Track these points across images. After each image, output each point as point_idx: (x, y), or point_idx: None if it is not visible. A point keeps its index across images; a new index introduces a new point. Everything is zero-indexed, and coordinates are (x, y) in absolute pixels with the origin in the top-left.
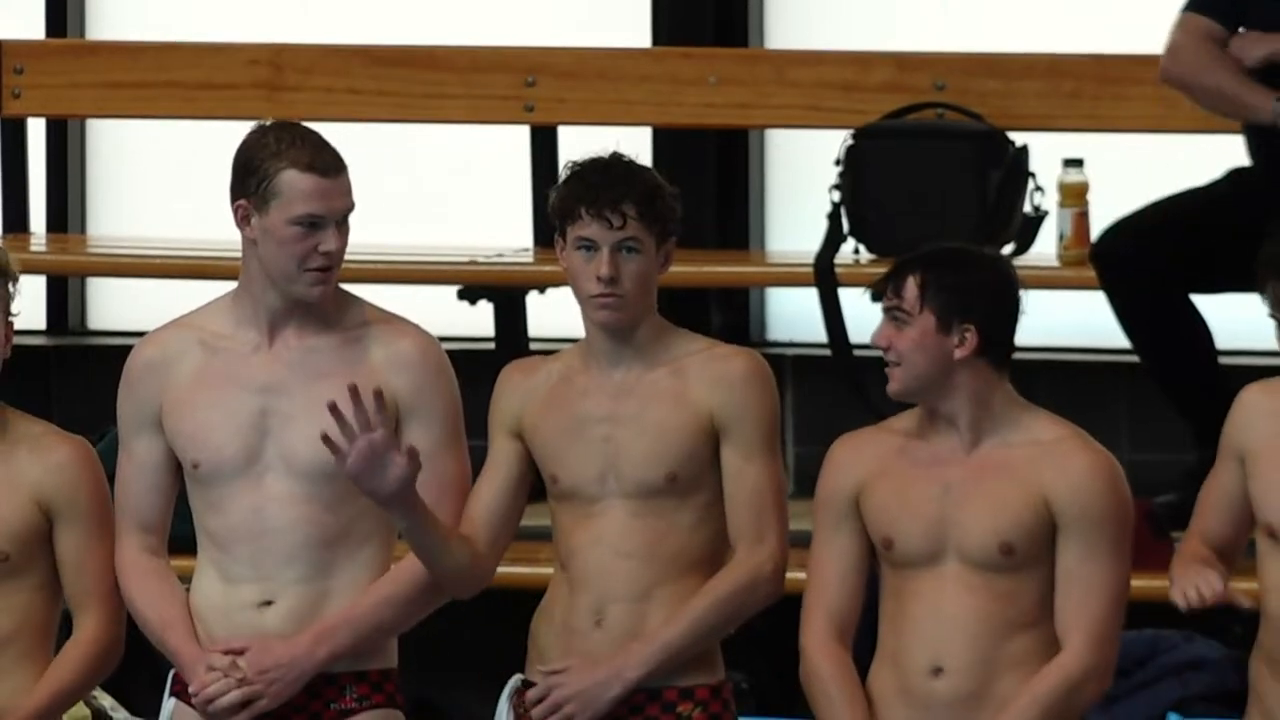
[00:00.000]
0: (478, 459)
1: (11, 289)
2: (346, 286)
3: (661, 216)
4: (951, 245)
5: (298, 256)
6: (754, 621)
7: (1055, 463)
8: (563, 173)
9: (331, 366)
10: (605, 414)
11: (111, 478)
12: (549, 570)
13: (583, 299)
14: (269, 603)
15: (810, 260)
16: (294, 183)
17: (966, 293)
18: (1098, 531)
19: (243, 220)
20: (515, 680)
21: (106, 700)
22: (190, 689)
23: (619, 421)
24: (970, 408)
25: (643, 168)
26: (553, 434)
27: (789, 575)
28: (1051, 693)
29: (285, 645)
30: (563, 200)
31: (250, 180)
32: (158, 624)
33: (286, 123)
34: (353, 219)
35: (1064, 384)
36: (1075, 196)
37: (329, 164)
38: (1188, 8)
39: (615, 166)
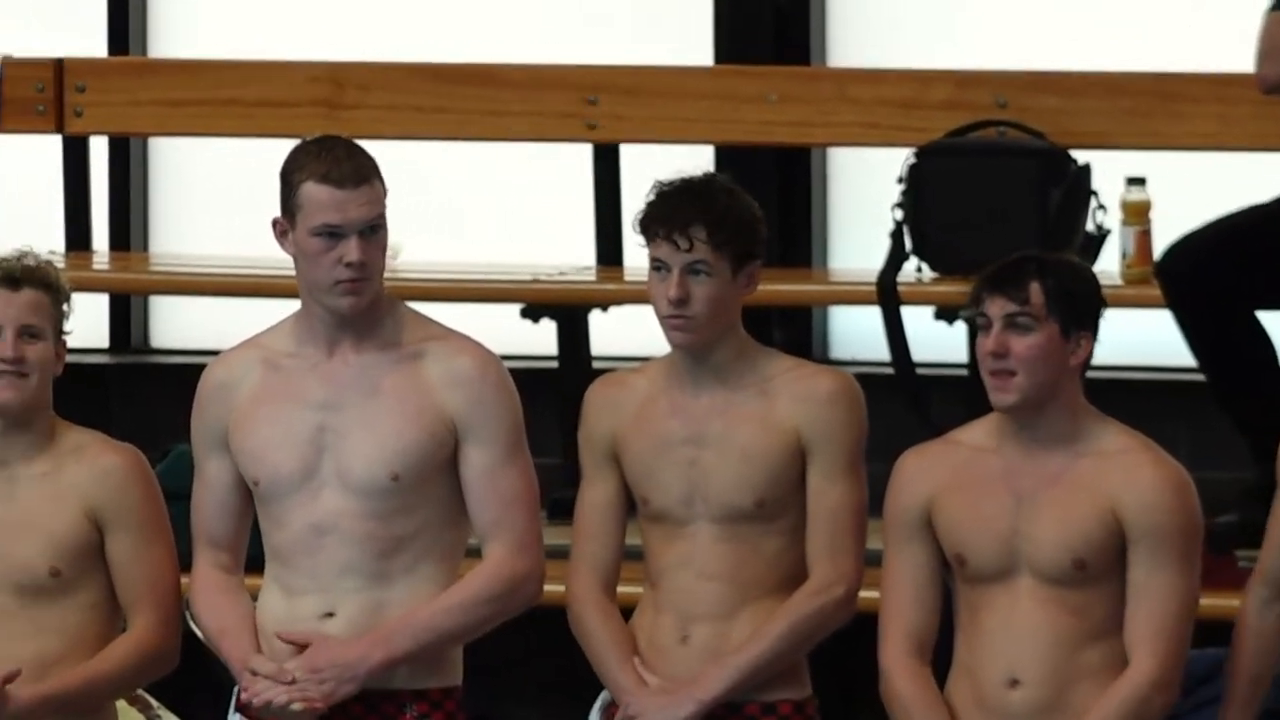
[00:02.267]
0: (544, 477)
1: (65, 307)
2: (410, 304)
3: (734, 240)
4: (1047, 254)
5: (324, 268)
6: (828, 636)
7: (1124, 475)
8: (648, 191)
9: (389, 383)
10: (690, 436)
11: (169, 496)
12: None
13: (659, 319)
14: (330, 614)
15: (872, 278)
16: (312, 194)
17: (1087, 300)
18: (1167, 544)
19: (280, 236)
20: (605, 695)
21: (170, 718)
22: (242, 694)
23: (705, 444)
24: (1064, 419)
25: (726, 190)
26: (641, 455)
27: (862, 594)
28: (1122, 705)
29: (342, 647)
30: (639, 219)
31: (282, 196)
32: (215, 632)
33: (320, 137)
34: (415, 236)
35: (1125, 402)
36: (1138, 215)
37: (347, 174)
38: (1275, 7)
39: (692, 189)
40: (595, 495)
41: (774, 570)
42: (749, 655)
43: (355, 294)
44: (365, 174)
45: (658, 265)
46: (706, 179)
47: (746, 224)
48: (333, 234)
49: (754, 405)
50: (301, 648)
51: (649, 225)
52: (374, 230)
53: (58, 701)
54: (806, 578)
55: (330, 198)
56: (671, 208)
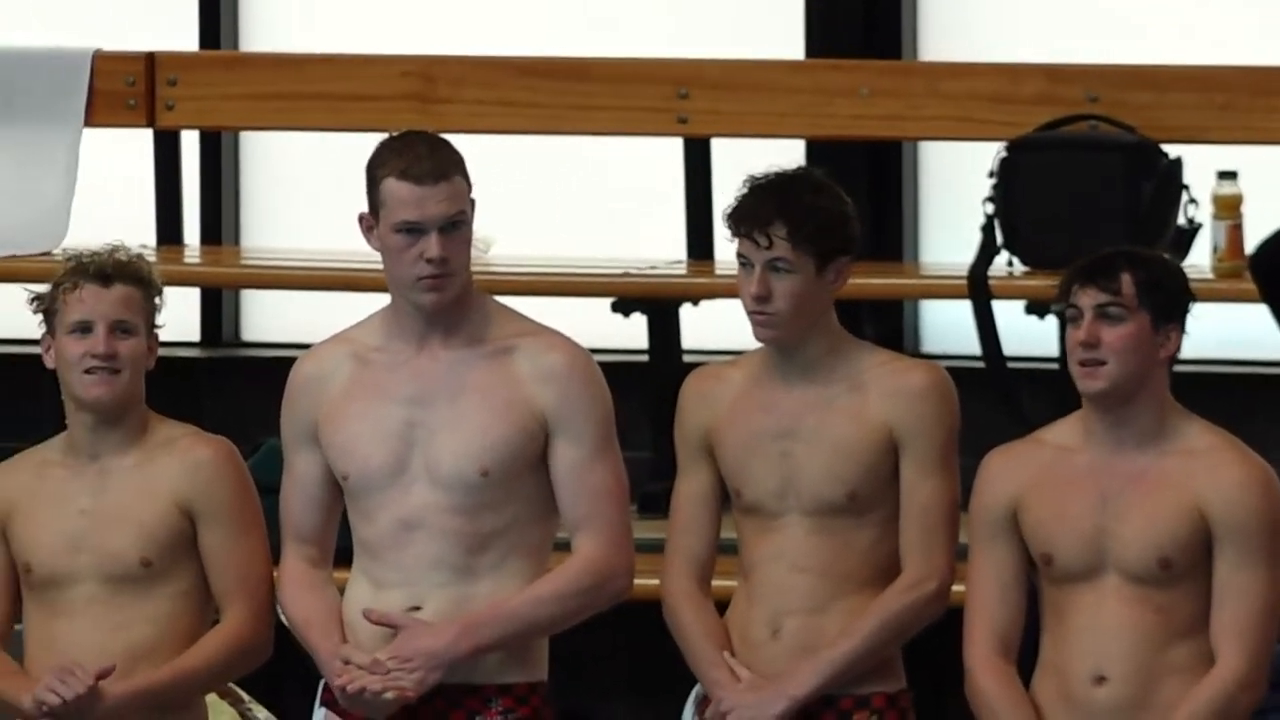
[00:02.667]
0: (634, 471)
1: (158, 301)
2: (500, 299)
3: (816, 238)
4: (1136, 248)
5: (405, 264)
6: (920, 632)
7: (1210, 473)
8: (739, 186)
9: (478, 378)
10: (783, 429)
11: (260, 489)
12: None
13: (746, 314)
14: (417, 608)
15: (963, 272)
16: (393, 190)
17: (1176, 293)
18: (1252, 542)
19: (367, 231)
20: (699, 689)
21: (261, 713)
22: (334, 681)
23: (798, 437)
24: (1151, 416)
25: (813, 186)
26: (735, 448)
27: (952, 588)
28: (1208, 703)
29: (430, 634)
30: (726, 215)
31: (367, 192)
32: (302, 624)
33: (404, 133)
34: (506, 231)
35: (1216, 396)
36: (1229, 209)
37: (426, 171)
38: None
39: (776, 186)
40: (690, 488)
41: (866, 564)
42: (841, 651)
43: (437, 290)
44: (445, 170)
45: (743, 261)
46: (795, 174)
47: (831, 221)
48: (412, 230)
49: (847, 399)
50: (395, 630)
51: (733, 222)
52: (455, 226)
53: (150, 696)
54: (898, 571)
55: (410, 194)
56: (753, 205)
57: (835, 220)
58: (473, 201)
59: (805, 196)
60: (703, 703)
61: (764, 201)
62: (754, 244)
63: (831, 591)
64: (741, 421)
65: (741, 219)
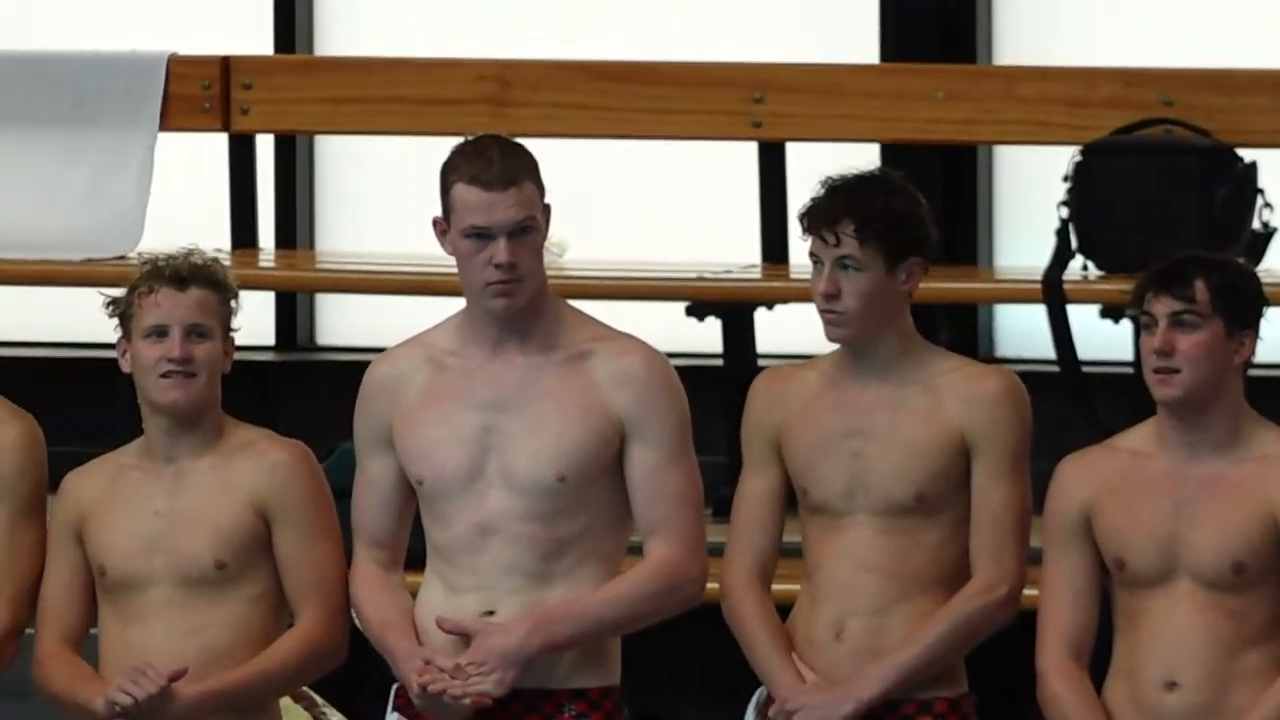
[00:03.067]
0: (708, 474)
1: (233, 304)
2: (574, 303)
3: (884, 236)
4: (1209, 253)
5: (475, 269)
6: (989, 637)
7: None
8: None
9: (554, 383)
10: (855, 429)
11: (335, 493)
12: (785, 586)
13: (818, 312)
14: (490, 613)
15: (1038, 276)
16: (462, 195)
17: (1250, 298)
18: None
19: (440, 235)
20: (762, 691)
21: (335, 717)
22: (416, 679)
23: (869, 437)
24: (1224, 422)
25: (886, 186)
26: (804, 447)
27: (1023, 593)
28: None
29: (502, 635)
30: (799, 215)
31: (440, 196)
32: (377, 625)
33: (478, 137)
34: (581, 235)
35: None
36: None
37: (495, 176)
38: None
39: (848, 186)
40: (755, 486)
41: (931, 566)
42: (910, 654)
43: (506, 295)
44: (515, 176)
45: (815, 259)
46: (870, 175)
47: (901, 220)
48: (481, 235)
49: (919, 401)
50: (463, 638)
51: (805, 220)
52: (524, 232)
53: (225, 698)
54: (965, 574)
55: (479, 199)
56: (824, 204)
57: (905, 220)
58: (546, 207)
59: (876, 196)
60: (765, 704)
61: (835, 200)
62: (823, 242)
63: (896, 593)
64: (812, 420)
65: (812, 217)
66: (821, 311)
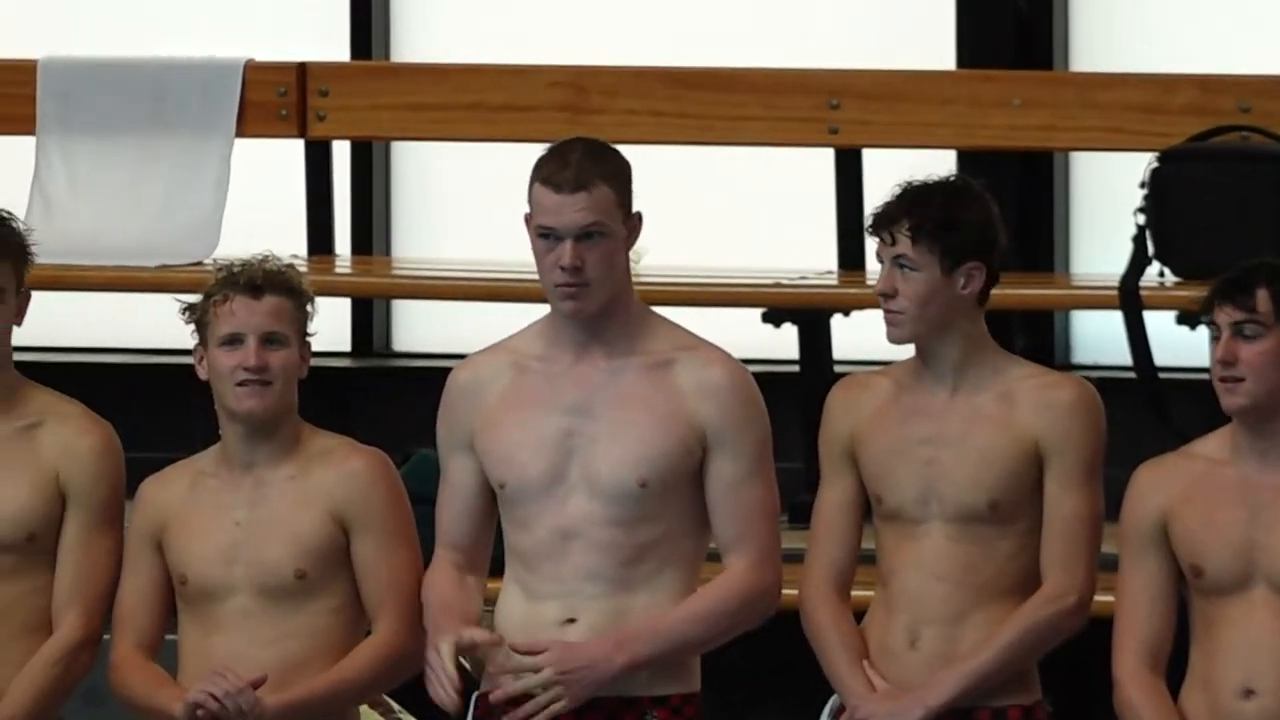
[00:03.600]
0: (785, 481)
1: (309, 308)
2: (653, 309)
3: (938, 237)
4: (1277, 261)
5: (544, 270)
6: (1059, 644)
7: None
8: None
9: (638, 389)
10: (928, 436)
11: (412, 499)
12: (860, 594)
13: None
14: (572, 620)
15: (1115, 283)
16: (537, 195)
17: None
18: None
19: (530, 232)
20: (835, 699)
21: None
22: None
23: (942, 444)
24: None
25: (952, 191)
26: (878, 454)
27: (1097, 599)
28: None
29: (586, 647)
30: (869, 216)
31: (528, 195)
32: (437, 608)
33: (568, 139)
34: (658, 242)
35: None
36: None
37: (567, 179)
38: None
39: (914, 189)
40: (833, 495)
41: (1005, 573)
42: (979, 662)
43: (573, 298)
44: (587, 180)
45: (880, 260)
46: (941, 181)
47: (960, 223)
48: (549, 235)
49: (993, 409)
50: (539, 653)
51: (869, 223)
52: (592, 236)
53: (304, 707)
54: (1037, 583)
55: (549, 200)
56: (885, 206)
57: (963, 223)
58: (634, 214)
59: (938, 198)
60: (838, 712)
61: (897, 202)
62: (882, 242)
63: (970, 600)
64: (886, 428)
65: (875, 218)
66: (883, 312)
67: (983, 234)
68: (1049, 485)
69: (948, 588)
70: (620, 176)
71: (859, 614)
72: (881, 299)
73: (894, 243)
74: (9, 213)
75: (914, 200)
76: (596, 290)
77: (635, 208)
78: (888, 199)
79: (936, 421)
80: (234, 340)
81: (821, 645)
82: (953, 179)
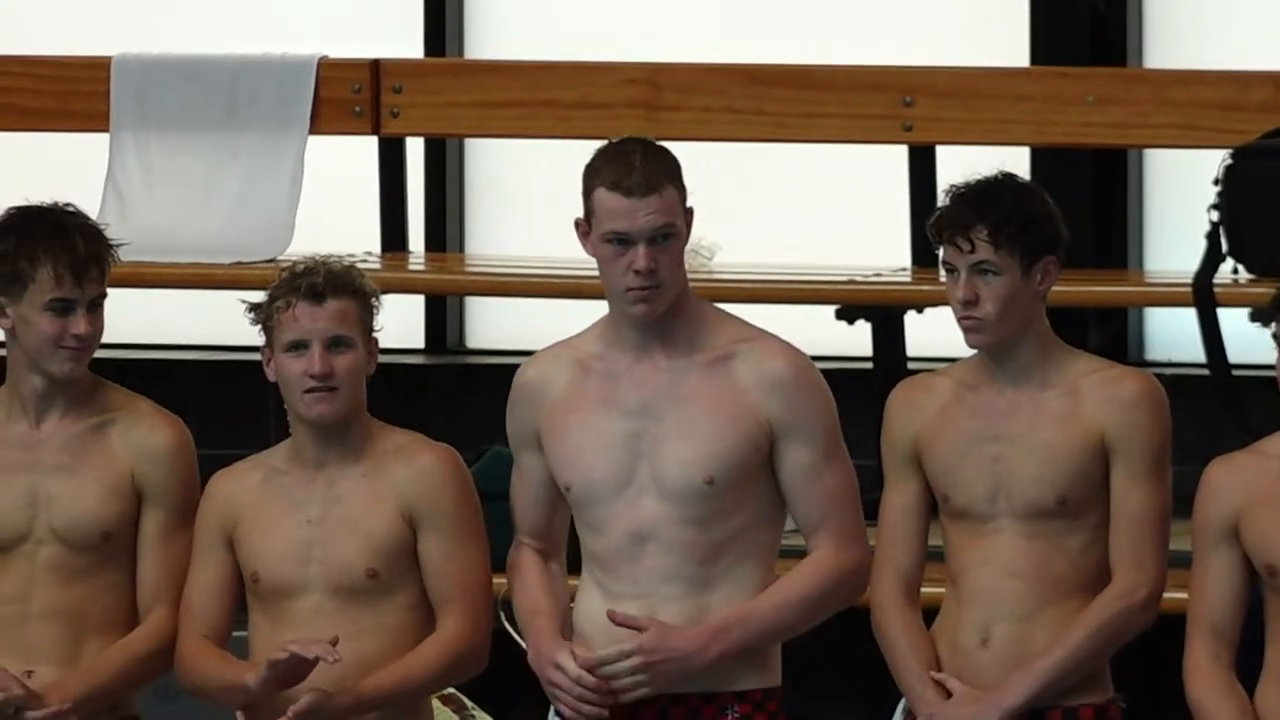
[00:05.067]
0: (859, 479)
1: (374, 303)
2: (724, 306)
3: (1018, 238)
4: None
5: (615, 275)
6: (1132, 641)
7: None
8: (943, 197)
9: (701, 386)
10: (995, 433)
11: (484, 497)
12: (932, 590)
13: (956, 320)
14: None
15: (1188, 280)
16: (604, 201)
17: None
18: None
19: (583, 237)
20: (905, 702)
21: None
22: (543, 679)
23: (1009, 441)
24: None
25: (1013, 189)
26: (944, 452)
27: (1169, 596)
28: None
29: (680, 637)
30: (930, 226)
31: (583, 199)
32: (527, 610)
33: (621, 140)
34: (731, 238)
35: None
36: None
37: (636, 183)
38: None
39: (975, 191)
40: (898, 498)
41: (1075, 570)
42: (1054, 659)
43: (646, 301)
44: (656, 182)
45: (949, 268)
46: (996, 179)
47: (1032, 221)
48: (622, 241)
49: (1059, 404)
50: (640, 629)
51: (936, 230)
52: (665, 238)
53: (372, 701)
54: (1108, 579)
55: (619, 205)
56: (955, 211)
57: (1037, 220)
58: (689, 210)
59: (1005, 199)
60: (907, 716)
61: (966, 207)
62: (957, 249)
63: (1041, 598)
64: (951, 426)
65: (944, 226)
66: (960, 319)
67: (1053, 227)
68: (1116, 480)
69: (1019, 585)
70: (679, 173)
71: (930, 611)
72: (962, 306)
73: (973, 249)
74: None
75: (985, 203)
76: (668, 291)
77: (701, 202)
78: (950, 205)
79: (1003, 418)
80: (299, 346)
81: (890, 650)
82: (1003, 176)
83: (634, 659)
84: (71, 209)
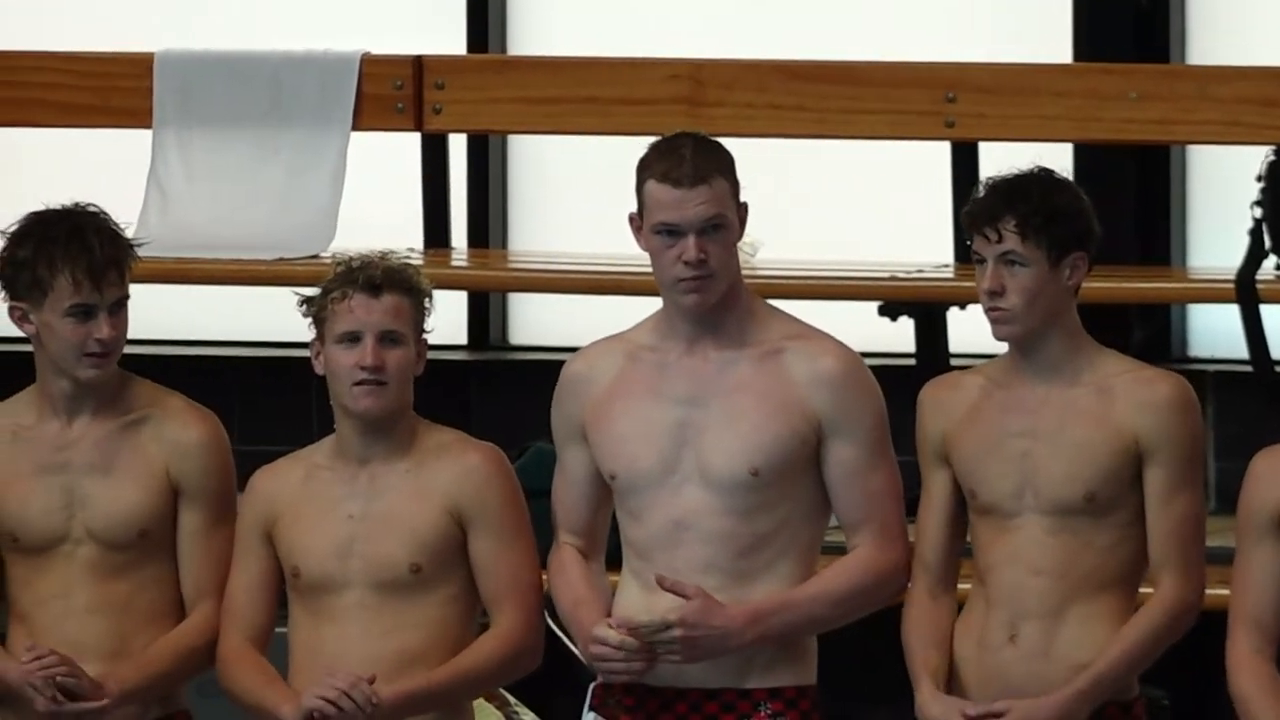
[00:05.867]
0: (905, 476)
1: (427, 304)
2: (771, 301)
3: (1046, 230)
4: None
5: (666, 266)
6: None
7: None
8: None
9: (749, 379)
10: (1023, 429)
11: (528, 493)
12: (964, 587)
13: (984, 311)
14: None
15: (1231, 276)
16: (653, 192)
17: None
18: None
19: (636, 231)
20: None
21: (528, 716)
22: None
23: (1037, 437)
24: None
25: (1043, 182)
26: (972, 449)
27: (1209, 592)
28: None
29: (722, 614)
30: (962, 216)
31: (636, 193)
32: (570, 603)
33: (674, 134)
34: (774, 235)
35: None
36: None
37: (685, 174)
38: None
39: (1006, 184)
40: (929, 498)
41: (1104, 566)
42: (1097, 672)
43: (697, 292)
44: (705, 173)
45: (978, 259)
46: (1029, 173)
47: (1062, 214)
48: (671, 232)
49: (1089, 402)
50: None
51: (967, 220)
52: (715, 229)
53: (423, 698)
54: (1137, 576)
55: (668, 196)
56: (984, 202)
57: (1067, 214)
58: (742, 205)
59: (1034, 191)
60: None
61: (995, 198)
62: (985, 239)
63: (1068, 594)
64: (980, 422)
65: (974, 216)
66: (987, 310)
67: (1083, 223)
68: (1154, 486)
69: (1046, 582)
70: (731, 167)
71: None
72: (988, 297)
73: (1000, 239)
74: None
75: (1014, 194)
76: (718, 282)
77: (743, 198)
78: (981, 196)
79: (1032, 415)
80: (351, 338)
81: (905, 645)
82: (1038, 169)
83: (674, 630)
84: (93, 209)
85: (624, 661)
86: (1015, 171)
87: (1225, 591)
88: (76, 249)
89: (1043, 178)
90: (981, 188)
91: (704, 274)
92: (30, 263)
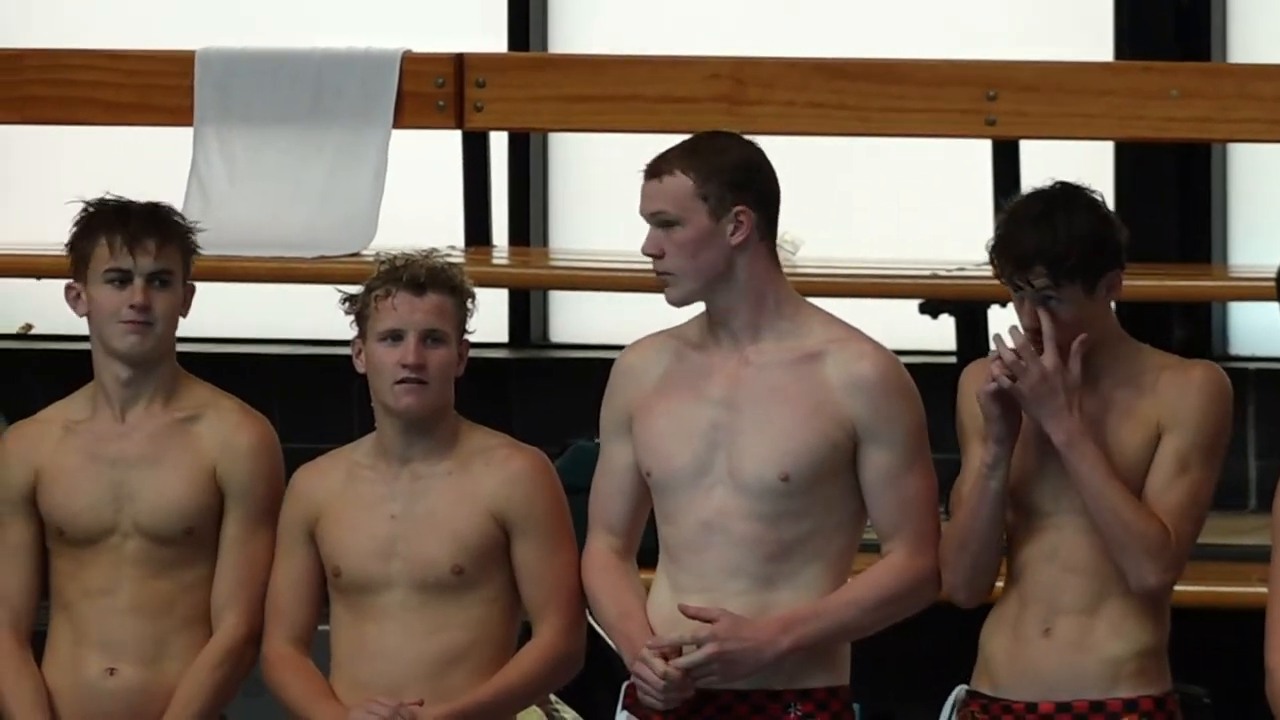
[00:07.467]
0: (943, 472)
1: (470, 305)
2: (810, 299)
3: (1078, 269)
4: None
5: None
6: (1215, 635)
7: None
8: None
9: (786, 382)
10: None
11: (568, 490)
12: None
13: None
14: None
15: (1273, 274)
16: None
17: None
18: None
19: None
20: (960, 691)
21: (568, 714)
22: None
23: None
24: None
25: (1068, 212)
26: (1018, 456)
27: (1251, 590)
28: None
29: (751, 627)
30: (988, 249)
31: None
32: (615, 614)
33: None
34: (815, 232)
35: None
36: None
37: (649, 167)
38: None
39: (1030, 220)
40: (967, 477)
41: None
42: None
43: (664, 286)
44: (663, 167)
45: (1014, 286)
46: (1050, 201)
47: (1091, 245)
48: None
49: (1127, 401)
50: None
51: (995, 260)
52: (666, 225)
53: (471, 716)
54: None
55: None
56: (1012, 246)
57: (1095, 244)
58: (720, 204)
59: (1060, 227)
60: (962, 704)
61: (1021, 241)
62: (1014, 286)
63: (1102, 590)
64: (1026, 430)
65: (1002, 259)
66: (1031, 339)
67: (1112, 243)
68: (1161, 460)
69: (1081, 580)
70: (714, 166)
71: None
72: (1032, 334)
73: (1032, 285)
74: (167, 204)
75: (1040, 236)
76: (680, 279)
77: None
78: (1005, 237)
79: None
80: (394, 336)
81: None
82: (1058, 191)
83: (709, 647)
84: (154, 201)
85: (663, 693)
86: (1034, 197)
87: (1262, 590)
88: (114, 218)
89: (1063, 204)
90: (1003, 221)
91: (660, 270)
92: (78, 239)
